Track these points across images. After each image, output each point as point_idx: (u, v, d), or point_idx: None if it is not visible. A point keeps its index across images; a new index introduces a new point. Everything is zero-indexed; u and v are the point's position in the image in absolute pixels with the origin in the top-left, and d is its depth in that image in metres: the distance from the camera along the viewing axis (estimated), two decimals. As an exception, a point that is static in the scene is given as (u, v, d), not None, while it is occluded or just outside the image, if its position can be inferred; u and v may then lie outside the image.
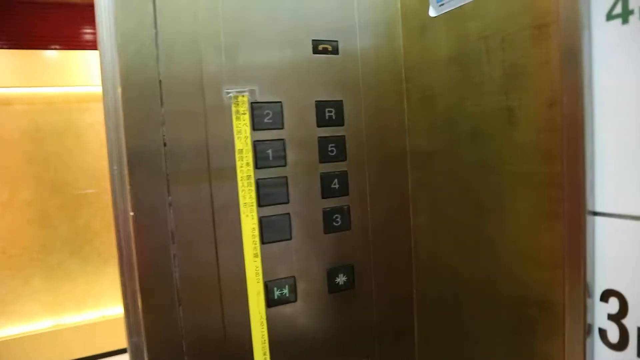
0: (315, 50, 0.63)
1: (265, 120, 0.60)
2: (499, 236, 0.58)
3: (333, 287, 0.65)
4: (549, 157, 0.51)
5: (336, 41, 0.64)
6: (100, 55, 0.57)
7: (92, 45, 2.54)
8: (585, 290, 0.45)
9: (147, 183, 0.56)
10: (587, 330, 0.46)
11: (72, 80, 2.48)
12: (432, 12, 0.63)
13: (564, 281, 0.48)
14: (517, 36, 0.53)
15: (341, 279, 0.65)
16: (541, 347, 0.54)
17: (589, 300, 0.46)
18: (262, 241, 0.61)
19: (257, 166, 0.60)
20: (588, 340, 0.46)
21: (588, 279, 0.45)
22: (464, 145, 0.61)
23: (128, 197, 0.55)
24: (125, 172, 0.56)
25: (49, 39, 2.49)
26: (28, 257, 2.50)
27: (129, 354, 0.59)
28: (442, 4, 0.61)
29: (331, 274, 0.65)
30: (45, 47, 2.47)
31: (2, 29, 2.44)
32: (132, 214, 0.55)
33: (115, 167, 0.57)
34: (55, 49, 2.49)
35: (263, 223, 0.60)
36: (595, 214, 0.45)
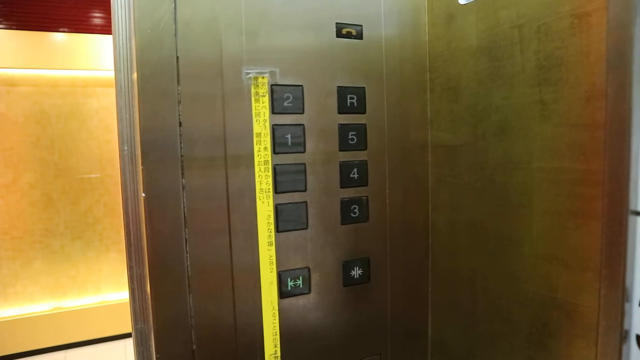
0: (339, 34, 0.60)
1: (285, 104, 0.57)
2: (524, 235, 0.55)
3: (348, 280, 0.62)
4: (584, 154, 0.48)
5: (360, 25, 0.61)
6: (113, 31, 0.53)
7: (100, 30, 2.50)
8: (623, 294, 0.42)
9: (160, 164, 0.52)
10: (624, 336, 0.43)
11: (79, 64, 2.44)
12: (461, 0, 0.60)
13: (599, 284, 0.45)
14: (554, 25, 0.50)
15: (356, 272, 0.62)
16: (566, 352, 0.51)
17: (626, 305, 0.43)
18: (277, 229, 0.57)
19: (274, 151, 0.57)
20: (624, 347, 0.43)
21: (627, 282, 0.42)
22: (489, 139, 0.58)
23: (140, 178, 0.52)
24: (138, 152, 0.53)
25: (57, 22, 2.45)
26: (30, 239, 2.47)
27: (133, 340, 0.56)
28: (474, -9, 0.58)
29: (346, 267, 0.62)
30: (54, 30, 2.44)
31: (9, 10, 2.40)
32: (143, 195, 0.52)
33: (126, 148, 0.54)
34: (64, 31, 2.45)
35: (279, 210, 0.57)
36: (638, 214, 0.42)
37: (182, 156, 0.53)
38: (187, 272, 0.54)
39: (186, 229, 0.54)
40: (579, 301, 0.50)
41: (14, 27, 2.35)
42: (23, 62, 2.36)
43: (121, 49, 0.54)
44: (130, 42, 0.53)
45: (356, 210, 0.61)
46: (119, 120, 0.54)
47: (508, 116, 0.55)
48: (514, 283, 0.56)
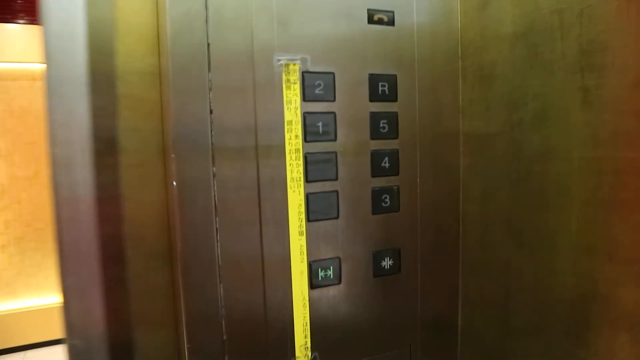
0: (370, 20, 0.58)
1: (317, 92, 0.55)
2: (562, 227, 0.52)
3: (378, 271, 0.60)
4: (630, 142, 0.46)
5: (392, 12, 0.59)
6: (44, 19, 0.52)
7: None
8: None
9: (191, 153, 0.51)
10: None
11: (100, 58, 2.43)
12: (497, -15, 0.57)
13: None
14: (598, 9, 0.48)
15: (387, 263, 0.60)
16: (608, 347, 0.49)
17: (677, 298, 0.40)
18: (308, 219, 0.56)
19: (306, 139, 0.55)
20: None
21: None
22: (525, 128, 0.55)
23: (173, 166, 0.51)
24: (169, 140, 0.51)
25: (79, 17, 2.44)
26: (52, 230, 2.48)
27: (66, 357, 0.52)
28: (510, -24, 0.56)
29: (377, 257, 0.60)
30: (75, 25, 2.43)
31: (25, 4, 2.40)
32: (174, 183, 0.51)
33: (57, 152, 0.50)
34: (85, 27, 2.44)
35: (310, 199, 0.56)
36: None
37: (212, 144, 0.52)
38: (218, 261, 0.52)
39: (217, 219, 0.52)
40: (623, 294, 0.47)
41: (36, 22, 2.36)
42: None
43: (55, 40, 0.51)
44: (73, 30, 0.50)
45: (387, 199, 0.59)
46: (50, 121, 0.50)
47: (546, 104, 0.53)
48: (551, 276, 0.54)
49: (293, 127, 0.54)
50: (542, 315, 0.55)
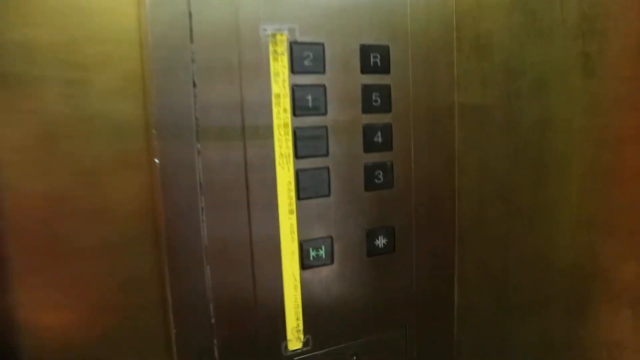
0: (362, -11, 0.55)
1: (305, 63, 0.52)
2: (562, 200, 0.50)
3: (372, 250, 0.58)
4: (633, 109, 0.44)
5: (384, -20, 0.56)
6: None
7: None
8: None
9: (174, 128, 0.48)
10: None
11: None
12: (493, -51, 0.55)
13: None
14: (601, -31, 0.45)
15: (381, 242, 0.58)
16: (609, 322, 0.47)
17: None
18: (298, 197, 0.53)
19: (295, 113, 0.52)
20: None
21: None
22: (524, 98, 0.53)
23: (155, 143, 0.48)
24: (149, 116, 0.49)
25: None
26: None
27: None
28: (507, -61, 0.53)
29: (370, 236, 0.57)
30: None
31: None
32: (157, 161, 0.48)
33: None
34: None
35: (300, 176, 0.53)
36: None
37: (197, 120, 0.49)
38: (204, 243, 0.50)
39: (202, 198, 0.49)
40: (624, 268, 0.45)
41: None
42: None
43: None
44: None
45: (380, 176, 0.57)
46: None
47: (545, 72, 0.51)
48: (551, 251, 0.52)
49: (281, 100, 0.52)
50: (541, 291, 0.54)
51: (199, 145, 0.49)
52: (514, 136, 0.54)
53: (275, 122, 0.51)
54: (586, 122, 0.47)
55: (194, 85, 0.49)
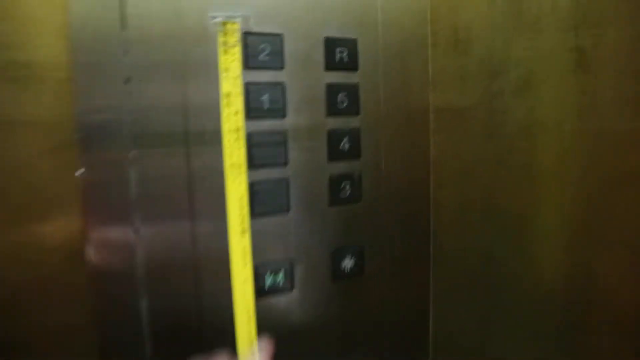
0: (325, -27, 0.48)
1: (261, 57, 0.45)
2: (552, 210, 0.44)
3: (338, 273, 0.50)
4: (633, 110, 0.38)
5: (350, -36, 0.49)
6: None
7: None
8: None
9: (101, 131, 0.40)
10: None
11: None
12: None
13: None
14: (597, -49, 0.39)
15: (348, 264, 0.50)
16: (609, 346, 0.41)
17: None
18: (253, 213, 0.45)
19: (249, 116, 0.45)
20: None
21: None
22: (508, 98, 0.47)
23: (78, 150, 0.40)
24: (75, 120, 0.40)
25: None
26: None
27: None
28: None
29: (336, 257, 0.50)
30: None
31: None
32: (80, 172, 0.40)
33: None
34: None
35: (254, 190, 0.45)
36: None
37: (130, 122, 0.41)
38: (139, 268, 0.42)
39: (136, 217, 0.41)
40: (623, 284, 0.40)
41: None
42: None
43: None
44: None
45: (347, 188, 0.50)
46: None
47: (533, 69, 0.45)
48: (539, 267, 0.46)
49: (232, 100, 0.44)
50: (529, 315, 0.47)
51: (132, 154, 0.41)
52: (498, 141, 0.48)
53: (226, 126, 0.44)
54: (579, 125, 0.41)
55: (127, 81, 0.41)
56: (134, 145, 0.41)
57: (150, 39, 0.41)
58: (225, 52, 0.43)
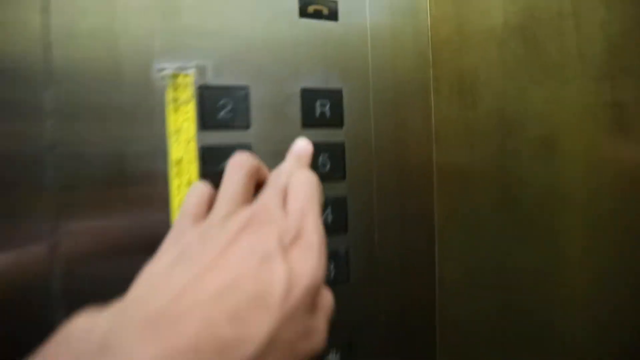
0: (304, 13, 0.40)
1: (222, 115, 0.37)
2: (577, 295, 0.35)
3: (322, 370, 0.41)
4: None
5: (335, 1, 0.41)
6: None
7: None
8: None
9: (20, 196, 0.33)
10: None
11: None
12: (479, -40, 0.40)
13: None
14: (637, -19, 0.31)
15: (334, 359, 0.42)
16: None
17: None
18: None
19: (209, 187, 0.37)
20: None
21: None
22: (525, 161, 0.38)
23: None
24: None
25: None
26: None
27: None
28: (497, -55, 0.39)
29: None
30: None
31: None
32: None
33: None
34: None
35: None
36: None
37: (56, 187, 0.33)
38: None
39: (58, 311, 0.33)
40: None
41: None
42: None
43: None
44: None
45: (332, 267, 0.41)
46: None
47: (555, 126, 0.35)
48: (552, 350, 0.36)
49: (184, 168, 0.36)
50: None
51: (60, 226, 0.33)
52: (512, 210, 0.39)
53: (175, 200, 0.36)
54: (613, 202, 0.32)
55: (54, 147, 0.33)
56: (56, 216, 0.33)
57: (76, 99, 0.34)
58: (176, 109, 0.36)
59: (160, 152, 0.35)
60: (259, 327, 0.19)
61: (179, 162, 0.36)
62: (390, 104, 0.43)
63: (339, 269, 0.41)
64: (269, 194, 0.26)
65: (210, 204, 0.27)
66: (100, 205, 0.34)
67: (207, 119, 0.37)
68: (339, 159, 0.41)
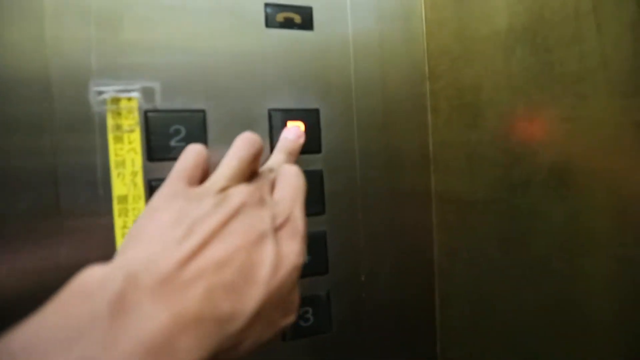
0: (271, 22, 0.34)
1: (173, 144, 0.32)
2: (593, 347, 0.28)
3: None
4: None
5: (309, 8, 0.35)
6: None
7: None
8: None
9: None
10: None
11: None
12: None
13: None
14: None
15: None
16: None
17: None
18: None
19: (155, 229, 0.31)
20: None
21: None
22: (537, 194, 0.31)
23: None
24: None
25: None
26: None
27: None
28: None
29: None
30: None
31: None
32: None
33: None
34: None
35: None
36: None
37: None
38: None
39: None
40: None
41: None
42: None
43: None
44: None
45: (309, 315, 0.35)
46: None
47: (574, 153, 0.28)
48: None
49: (130, 207, 0.31)
50: None
51: None
52: (523, 254, 0.32)
53: (120, 241, 0.30)
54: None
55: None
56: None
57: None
58: (118, 139, 0.30)
59: (97, 188, 0.30)
60: (249, 301, 0.21)
61: (124, 199, 0.30)
62: (378, 125, 0.37)
63: (319, 318, 0.35)
64: (261, 182, 0.27)
65: (204, 169, 0.28)
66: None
67: (155, 149, 0.31)
68: (317, 191, 0.35)
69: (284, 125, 0.34)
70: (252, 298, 0.21)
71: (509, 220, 0.32)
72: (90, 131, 0.30)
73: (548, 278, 0.30)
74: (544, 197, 0.30)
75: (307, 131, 0.34)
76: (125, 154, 0.31)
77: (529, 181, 0.31)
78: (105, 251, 0.30)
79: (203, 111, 0.32)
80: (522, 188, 0.31)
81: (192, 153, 0.27)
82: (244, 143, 0.27)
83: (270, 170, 0.29)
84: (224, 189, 0.25)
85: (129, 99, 0.31)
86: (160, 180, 0.31)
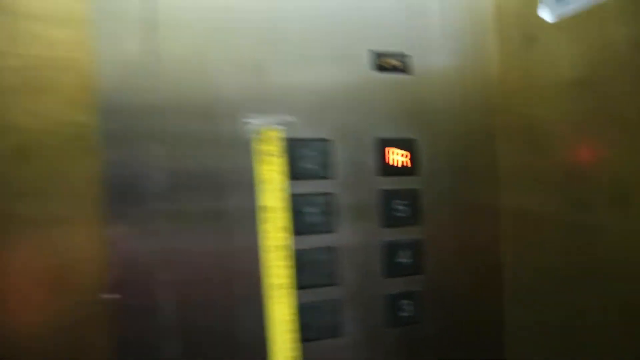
0: (378, 67, 0.42)
1: (308, 166, 0.40)
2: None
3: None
4: None
5: (407, 56, 0.43)
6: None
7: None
8: None
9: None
10: None
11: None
12: (547, 15, 0.42)
13: None
14: None
15: (411, 396, 0.43)
16: None
17: None
18: (303, 339, 0.39)
19: (297, 232, 0.39)
20: None
21: None
22: (600, 212, 0.38)
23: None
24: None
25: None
26: None
27: None
28: (566, 3, 0.40)
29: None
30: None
31: None
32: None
33: None
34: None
35: (303, 313, 0.39)
36: None
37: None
38: None
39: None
40: None
41: None
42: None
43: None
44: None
45: (404, 307, 0.43)
46: None
47: (631, 180, 0.36)
48: None
49: (275, 215, 0.38)
50: None
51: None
52: (582, 257, 0.39)
53: (266, 244, 0.38)
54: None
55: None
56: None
57: (178, 144, 0.37)
58: (266, 161, 0.39)
59: (249, 200, 0.38)
60: None
61: (273, 209, 0.38)
62: (460, 151, 0.45)
63: (414, 310, 0.42)
64: None
65: None
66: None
67: (294, 170, 0.39)
68: (414, 205, 0.43)
69: (389, 151, 0.42)
70: None
71: (573, 233, 0.40)
72: (242, 148, 0.38)
73: (610, 284, 0.37)
74: (606, 214, 0.37)
75: (406, 157, 0.42)
76: (272, 174, 0.39)
77: (590, 202, 0.38)
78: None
79: (327, 140, 0.40)
80: (584, 205, 0.39)
81: None
82: None
83: None
84: None
85: (274, 129, 0.39)
86: (300, 195, 0.39)
